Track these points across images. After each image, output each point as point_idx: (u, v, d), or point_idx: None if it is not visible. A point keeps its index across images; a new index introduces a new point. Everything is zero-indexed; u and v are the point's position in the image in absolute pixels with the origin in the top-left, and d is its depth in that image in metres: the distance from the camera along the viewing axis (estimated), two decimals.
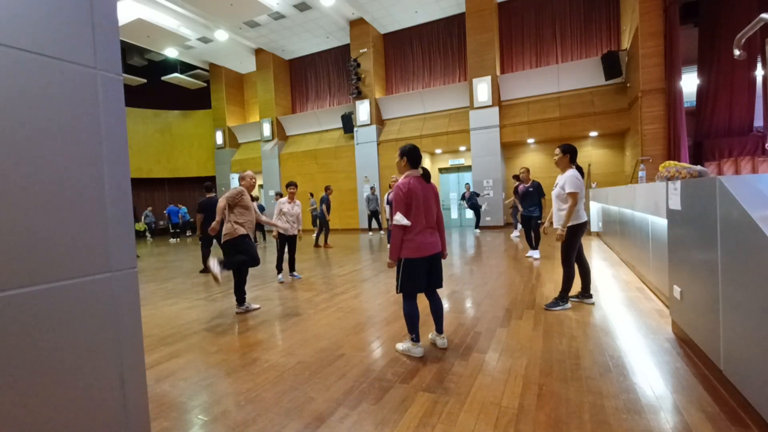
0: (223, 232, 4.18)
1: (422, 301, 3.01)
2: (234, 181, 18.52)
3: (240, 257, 4.13)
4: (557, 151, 3.80)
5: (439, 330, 2.96)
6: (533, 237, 6.74)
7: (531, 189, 6.71)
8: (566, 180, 3.66)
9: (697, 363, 2.43)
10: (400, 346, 2.93)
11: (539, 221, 6.71)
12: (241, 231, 4.15)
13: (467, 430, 1.88)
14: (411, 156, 2.80)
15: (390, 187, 6.51)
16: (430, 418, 1.99)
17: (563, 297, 3.76)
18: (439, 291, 4.62)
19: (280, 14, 13.27)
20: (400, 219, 2.69)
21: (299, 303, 4.50)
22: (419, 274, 2.76)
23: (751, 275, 1.75)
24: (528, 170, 6.91)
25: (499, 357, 2.71)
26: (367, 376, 2.51)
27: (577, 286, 3.98)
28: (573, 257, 3.74)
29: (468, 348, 2.90)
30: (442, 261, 2.97)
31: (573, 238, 3.68)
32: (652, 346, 2.75)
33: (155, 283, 6.22)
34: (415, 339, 2.83)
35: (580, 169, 3.79)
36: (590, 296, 3.89)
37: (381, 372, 2.57)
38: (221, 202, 4.15)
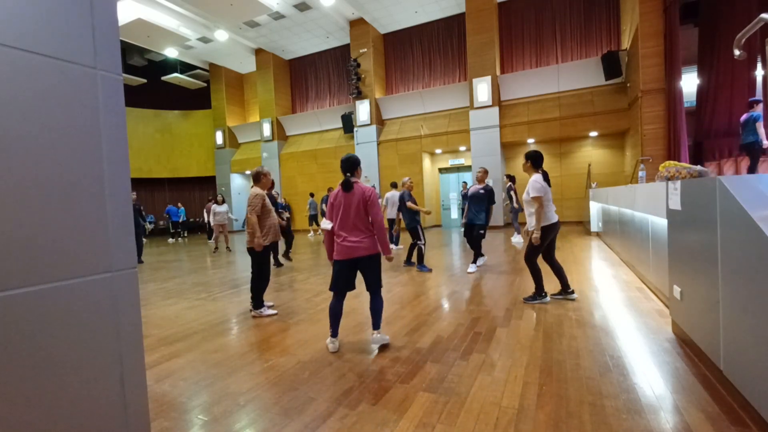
0: (248, 239, 4.07)
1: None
2: (235, 181, 18.52)
3: (264, 271, 4.13)
4: (524, 159, 4.05)
5: (375, 326, 3.04)
6: (475, 247, 5.90)
7: (482, 192, 5.78)
8: (530, 185, 3.85)
9: (697, 363, 2.43)
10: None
11: (482, 231, 5.81)
12: (266, 242, 4.09)
13: (467, 430, 1.88)
14: (341, 167, 3.05)
15: (404, 186, 6.44)
16: (430, 418, 1.99)
17: (540, 292, 3.97)
18: (438, 291, 4.66)
19: (280, 14, 13.27)
20: (322, 223, 3.09)
21: (299, 303, 4.50)
22: (341, 274, 2.98)
23: (750, 275, 1.75)
24: (486, 171, 6.04)
25: (499, 357, 2.71)
26: (367, 376, 2.51)
27: (558, 286, 4.13)
28: (536, 257, 3.95)
29: (468, 348, 2.90)
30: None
31: (541, 239, 3.82)
32: (652, 346, 2.75)
33: (155, 283, 6.22)
34: (332, 334, 3.03)
35: (545, 174, 3.94)
36: (572, 291, 4.05)
37: (381, 372, 2.57)
38: (252, 218, 3.98)
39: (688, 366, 2.41)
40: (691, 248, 2.48)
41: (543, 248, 3.92)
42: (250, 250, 4.10)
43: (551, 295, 4.04)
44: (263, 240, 4.06)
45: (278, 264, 7.14)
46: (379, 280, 3.02)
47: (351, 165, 3.00)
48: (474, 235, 5.83)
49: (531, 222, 3.89)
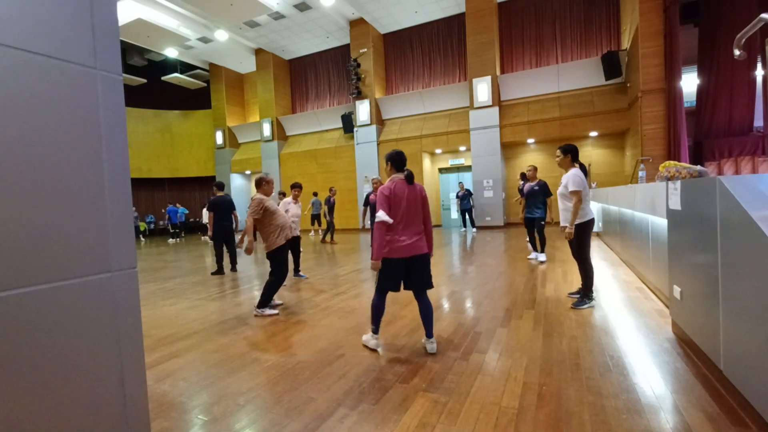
0: (264, 243, 4.16)
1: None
2: (235, 181, 18.52)
3: (281, 273, 4.12)
4: (558, 152, 3.91)
5: (428, 334, 2.85)
6: (537, 240, 6.41)
7: (537, 188, 6.34)
8: (569, 179, 3.74)
9: (697, 363, 2.43)
10: (363, 337, 3.10)
11: (543, 222, 6.37)
12: (280, 242, 4.09)
13: (467, 430, 1.88)
14: (394, 161, 2.87)
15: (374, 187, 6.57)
16: (430, 418, 1.99)
17: (588, 294, 3.79)
18: (438, 291, 4.65)
19: (280, 14, 13.27)
20: (381, 215, 2.72)
21: (299, 303, 4.50)
22: (394, 273, 2.80)
23: (750, 275, 1.75)
24: (535, 168, 6.56)
25: (499, 357, 2.70)
26: (367, 376, 2.51)
27: (577, 284, 4.09)
28: (587, 254, 3.82)
29: (468, 348, 2.90)
30: (432, 260, 2.98)
31: (583, 236, 3.77)
32: (652, 346, 2.75)
33: (155, 283, 6.22)
34: (374, 330, 2.96)
35: (583, 167, 3.87)
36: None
37: (381, 372, 2.57)
38: (249, 221, 4.08)
39: (688, 366, 2.41)
40: (691, 248, 2.48)
41: (589, 244, 3.82)
42: (269, 254, 4.15)
43: (569, 293, 4.03)
44: (274, 241, 4.10)
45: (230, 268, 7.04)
46: (431, 278, 2.90)
47: (406, 160, 2.90)
48: (537, 229, 6.38)
49: (565, 217, 3.82)
